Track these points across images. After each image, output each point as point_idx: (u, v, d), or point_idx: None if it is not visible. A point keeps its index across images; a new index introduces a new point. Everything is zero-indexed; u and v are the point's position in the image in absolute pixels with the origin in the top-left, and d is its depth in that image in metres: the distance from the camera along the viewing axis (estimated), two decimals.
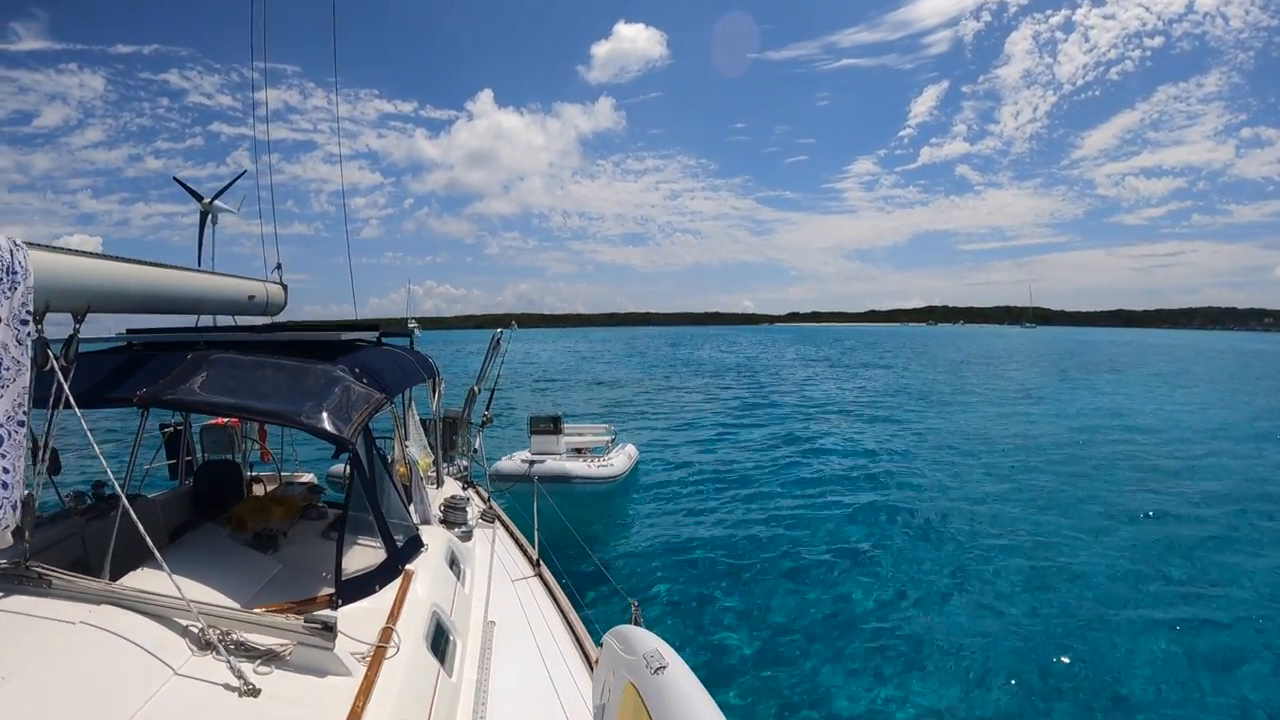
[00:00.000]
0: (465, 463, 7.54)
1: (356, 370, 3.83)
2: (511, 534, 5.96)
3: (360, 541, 3.57)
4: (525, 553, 5.62)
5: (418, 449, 5.41)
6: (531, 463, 11.68)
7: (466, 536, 5.10)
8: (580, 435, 14.24)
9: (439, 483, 6.34)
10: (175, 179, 9.24)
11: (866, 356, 66.64)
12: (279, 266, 5.70)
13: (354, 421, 3.35)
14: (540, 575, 5.19)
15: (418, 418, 5.57)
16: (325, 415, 3.25)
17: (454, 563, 4.42)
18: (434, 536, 4.40)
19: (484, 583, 4.68)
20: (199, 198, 9.52)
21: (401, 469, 4.65)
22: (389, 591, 3.32)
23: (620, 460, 12.92)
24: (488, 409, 7.56)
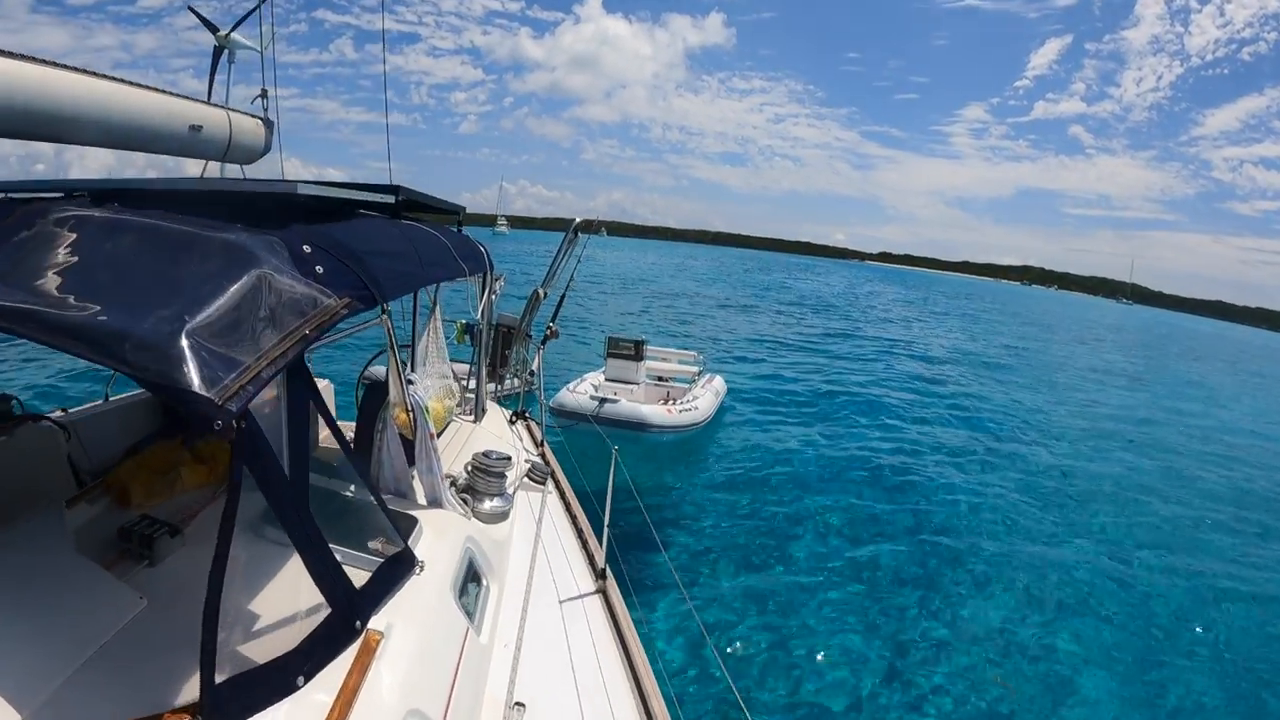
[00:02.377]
0: (517, 382, 5.71)
1: (308, 250, 1.96)
2: (569, 508, 4.17)
3: (273, 586, 1.92)
4: (586, 546, 3.84)
5: (435, 383, 3.57)
6: (601, 400, 9.67)
7: (500, 516, 3.34)
8: (664, 361, 12.34)
9: (478, 414, 4.59)
10: (190, 8, 7.55)
11: (969, 308, 61.71)
12: (264, 93, 3.83)
13: (248, 371, 1.45)
14: (605, 592, 3.40)
15: (440, 331, 3.70)
16: (181, 350, 1.37)
17: (471, 578, 2.71)
18: (443, 535, 2.66)
19: (515, 610, 2.92)
20: (214, 29, 7.80)
21: (400, 416, 2.84)
22: (325, 689, 1.66)
23: (706, 400, 10.94)
24: (554, 320, 5.68)
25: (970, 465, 11.42)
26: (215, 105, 3.31)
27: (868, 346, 24.76)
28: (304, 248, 1.93)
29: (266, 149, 3.63)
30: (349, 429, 3.55)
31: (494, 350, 5.36)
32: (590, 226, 5.61)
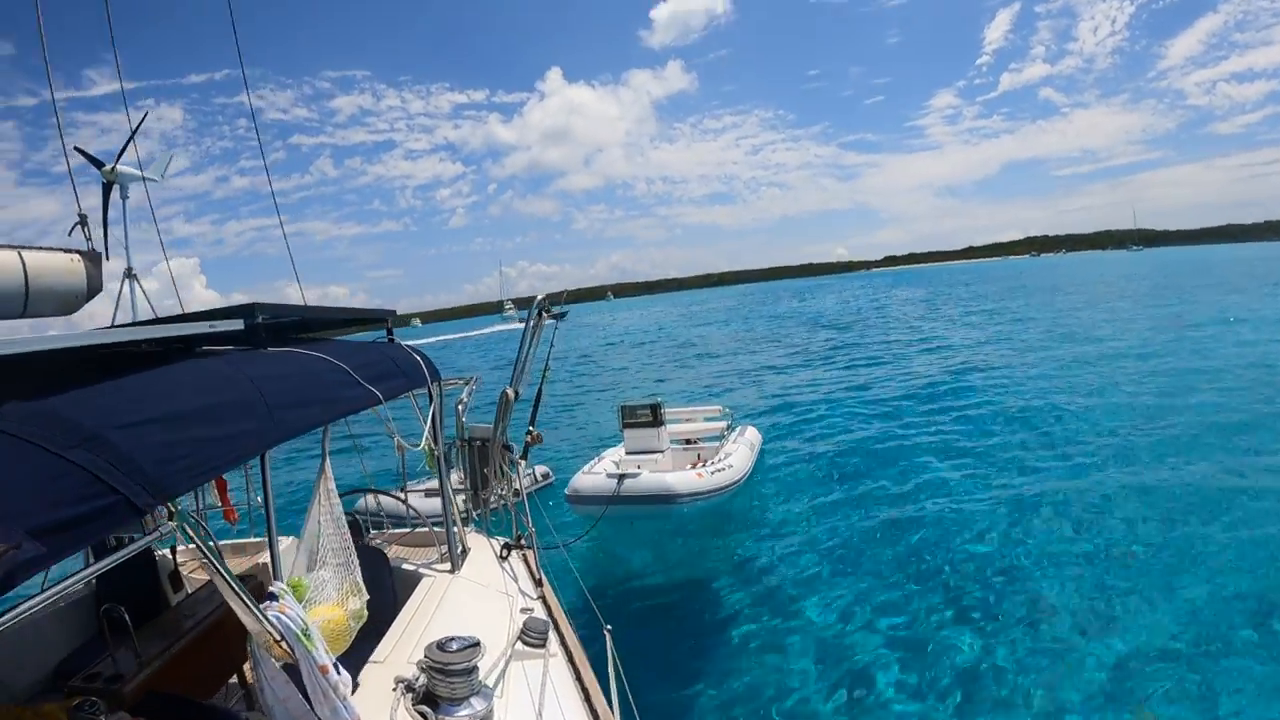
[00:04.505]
0: (502, 495, 4.59)
1: None
2: (579, 676, 3.11)
3: None
4: None
5: (331, 576, 2.49)
6: (620, 476, 8.35)
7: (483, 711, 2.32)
8: (688, 422, 11.28)
9: (454, 562, 3.62)
10: (76, 149, 7.02)
11: (983, 295, 59.91)
12: (81, 220, 3.20)
13: None
14: None
15: (333, 495, 2.64)
16: None
17: None
18: None
19: None
20: (98, 164, 7.29)
21: (274, 647, 1.83)
22: None
23: (740, 455, 9.75)
24: (533, 424, 4.72)
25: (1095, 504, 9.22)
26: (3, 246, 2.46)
27: (892, 361, 23.49)
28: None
29: (94, 290, 2.80)
30: None
31: (471, 471, 4.48)
32: (556, 299, 4.69)
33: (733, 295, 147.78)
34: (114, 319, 6.45)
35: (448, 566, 3.61)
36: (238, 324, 2.29)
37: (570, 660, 3.19)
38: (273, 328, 2.81)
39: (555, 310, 4.67)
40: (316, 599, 2.39)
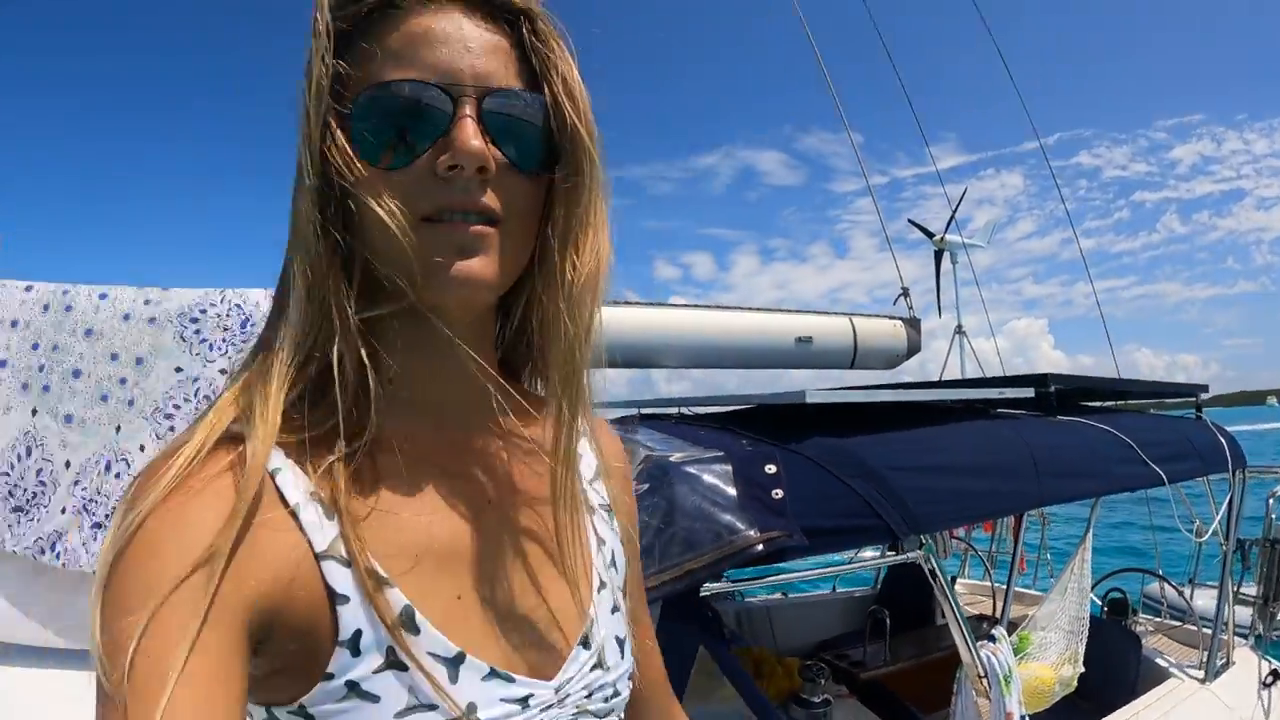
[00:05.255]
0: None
1: (771, 471, 1.74)
2: None
3: None
4: None
5: (1057, 638, 2.58)
6: None
7: None
8: None
9: (1208, 670, 3.16)
10: (910, 220, 8.63)
11: None
12: (904, 292, 3.76)
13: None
14: None
15: (1088, 564, 2.68)
16: None
17: None
18: None
19: None
20: (929, 234, 8.83)
21: (976, 681, 2.03)
22: None
23: None
24: None
25: None
26: (837, 314, 3.33)
27: None
28: (767, 468, 1.72)
29: (913, 350, 3.50)
30: None
31: (1268, 578, 3.80)
32: None
33: None
34: (943, 369, 7.70)
35: (1202, 674, 3.21)
36: (1029, 391, 2.55)
37: None
38: (1065, 395, 2.93)
39: None
40: (1037, 656, 2.50)
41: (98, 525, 1.68)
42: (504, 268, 0.50)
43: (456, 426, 0.55)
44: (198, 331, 1.90)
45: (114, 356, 1.82)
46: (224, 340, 1.91)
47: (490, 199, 0.48)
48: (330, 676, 0.44)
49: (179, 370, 1.85)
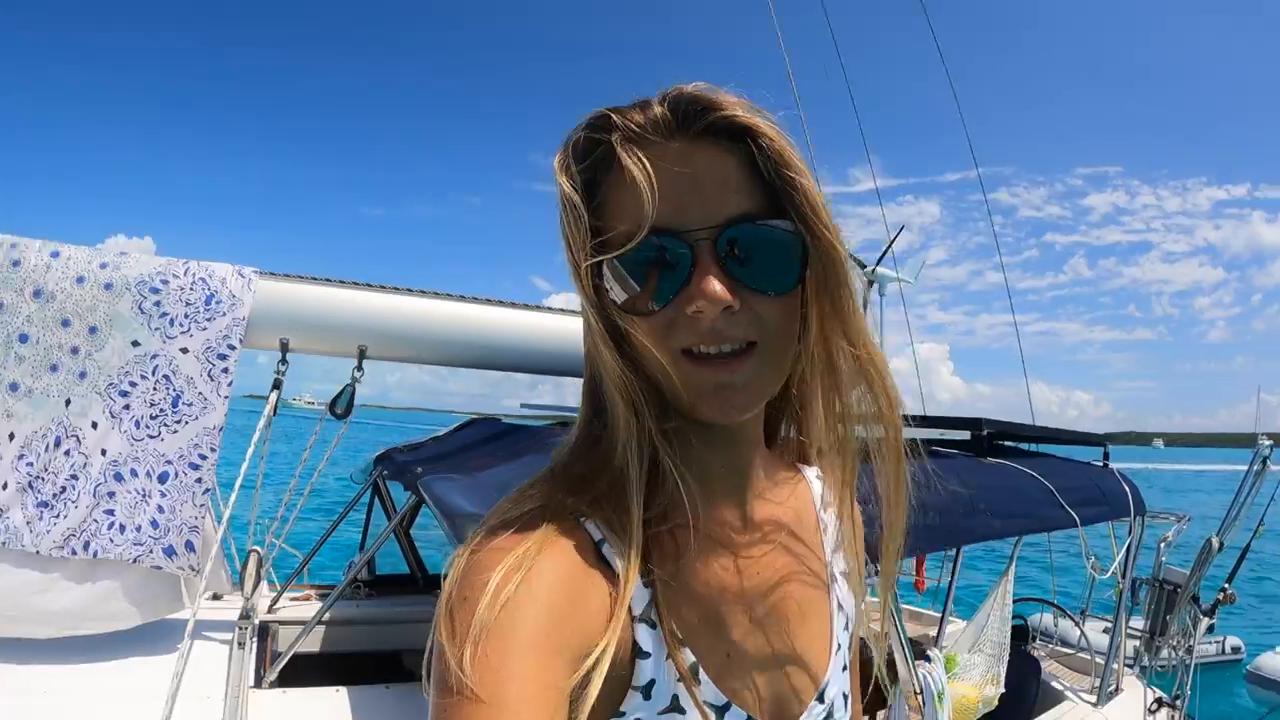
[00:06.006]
0: (1175, 649, 4.16)
1: None
2: None
3: None
4: None
5: (981, 660, 2.92)
6: None
7: None
8: None
9: (1101, 694, 3.54)
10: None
11: None
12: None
13: None
14: None
15: (1008, 596, 3.06)
16: None
17: None
18: None
19: None
20: (862, 265, 8.47)
21: (910, 697, 2.31)
22: None
23: None
24: (1229, 581, 4.24)
25: None
26: None
27: None
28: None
29: None
30: None
31: (1155, 614, 4.08)
32: None
33: None
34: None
35: (1094, 699, 3.54)
36: (964, 434, 2.71)
37: None
38: (993, 437, 3.14)
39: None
40: (961, 675, 2.77)
41: (44, 504, 1.52)
42: (766, 385, 0.56)
43: (733, 503, 0.63)
44: (158, 304, 1.77)
45: (65, 323, 1.67)
46: (186, 316, 1.80)
47: (742, 328, 0.52)
48: (622, 715, 0.53)
49: (136, 344, 1.74)
